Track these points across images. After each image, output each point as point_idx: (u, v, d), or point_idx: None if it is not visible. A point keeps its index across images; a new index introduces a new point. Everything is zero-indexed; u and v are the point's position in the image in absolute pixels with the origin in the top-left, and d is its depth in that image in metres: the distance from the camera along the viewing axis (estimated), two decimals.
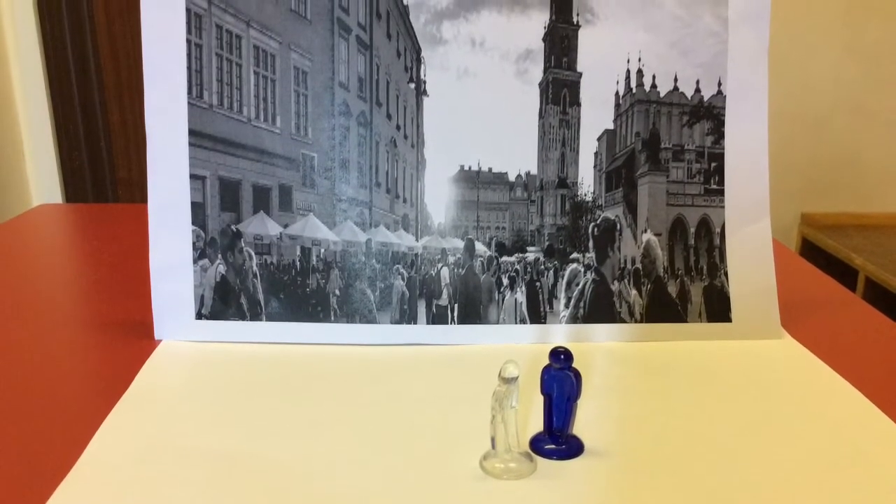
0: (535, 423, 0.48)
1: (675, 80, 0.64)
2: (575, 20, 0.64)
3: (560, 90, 0.64)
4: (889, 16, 2.24)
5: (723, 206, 0.65)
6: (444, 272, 0.63)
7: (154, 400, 0.52)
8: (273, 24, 0.62)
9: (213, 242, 0.62)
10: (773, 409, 0.53)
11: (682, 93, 0.65)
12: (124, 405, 0.51)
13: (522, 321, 0.63)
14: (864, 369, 0.59)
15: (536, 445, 0.47)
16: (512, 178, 0.65)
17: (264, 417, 0.50)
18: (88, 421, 0.49)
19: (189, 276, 0.61)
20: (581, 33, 0.64)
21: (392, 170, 0.64)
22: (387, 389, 0.54)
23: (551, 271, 0.64)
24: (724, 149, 0.65)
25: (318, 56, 0.63)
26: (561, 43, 0.64)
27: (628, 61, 0.64)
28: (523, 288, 0.64)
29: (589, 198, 0.65)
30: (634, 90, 0.65)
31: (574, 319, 0.64)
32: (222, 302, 0.62)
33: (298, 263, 0.62)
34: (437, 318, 0.63)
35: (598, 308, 0.64)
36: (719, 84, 0.65)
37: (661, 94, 0.65)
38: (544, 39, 0.64)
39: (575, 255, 0.65)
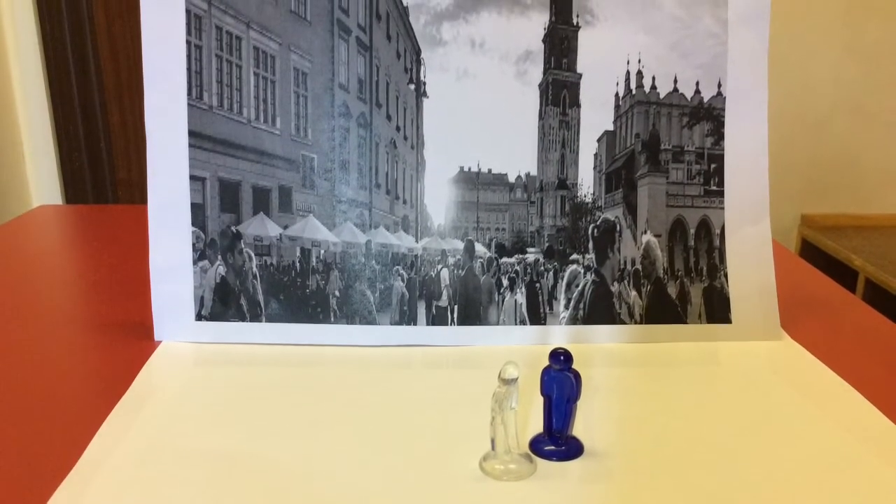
0: (535, 425, 0.48)
1: (675, 81, 0.65)
2: (575, 21, 0.64)
3: (560, 91, 0.64)
4: (889, 16, 2.24)
5: (722, 208, 0.65)
6: (444, 273, 0.63)
7: (154, 401, 0.52)
8: (273, 26, 0.62)
9: (213, 243, 0.62)
10: (773, 410, 0.53)
11: (682, 94, 0.65)
12: (124, 406, 0.51)
13: (522, 322, 0.63)
14: (863, 370, 0.59)
15: (536, 447, 0.47)
16: (512, 179, 0.65)
17: (264, 418, 0.50)
18: (88, 421, 0.49)
19: (189, 277, 0.61)
20: (581, 34, 0.64)
21: (392, 171, 0.64)
22: (386, 390, 0.54)
23: (551, 272, 0.64)
24: (723, 150, 0.65)
25: (318, 57, 0.63)
26: (561, 44, 0.64)
27: (628, 62, 0.64)
28: (523, 289, 0.64)
29: (589, 199, 0.65)
30: (634, 91, 0.65)
31: (574, 321, 0.64)
32: (222, 303, 0.62)
33: (298, 264, 0.62)
34: (437, 319, 0.63)
35: (598, 309, 0.64)
36: (719, 85, 0.65)
37: (661, 96, 0.65)
38: (544, 41, 0.64)
39: (575, 256, 0.65)
